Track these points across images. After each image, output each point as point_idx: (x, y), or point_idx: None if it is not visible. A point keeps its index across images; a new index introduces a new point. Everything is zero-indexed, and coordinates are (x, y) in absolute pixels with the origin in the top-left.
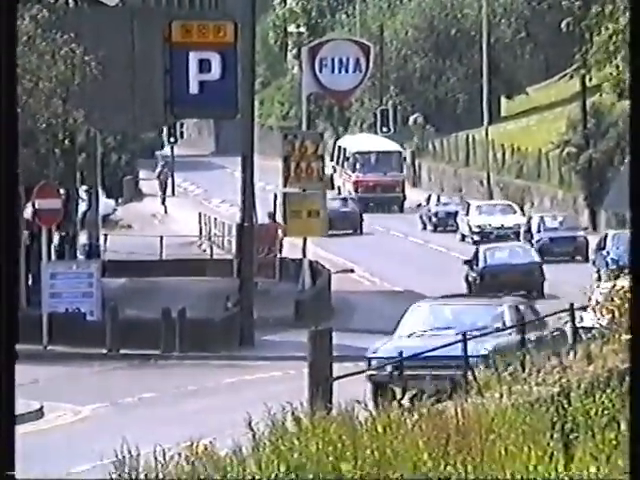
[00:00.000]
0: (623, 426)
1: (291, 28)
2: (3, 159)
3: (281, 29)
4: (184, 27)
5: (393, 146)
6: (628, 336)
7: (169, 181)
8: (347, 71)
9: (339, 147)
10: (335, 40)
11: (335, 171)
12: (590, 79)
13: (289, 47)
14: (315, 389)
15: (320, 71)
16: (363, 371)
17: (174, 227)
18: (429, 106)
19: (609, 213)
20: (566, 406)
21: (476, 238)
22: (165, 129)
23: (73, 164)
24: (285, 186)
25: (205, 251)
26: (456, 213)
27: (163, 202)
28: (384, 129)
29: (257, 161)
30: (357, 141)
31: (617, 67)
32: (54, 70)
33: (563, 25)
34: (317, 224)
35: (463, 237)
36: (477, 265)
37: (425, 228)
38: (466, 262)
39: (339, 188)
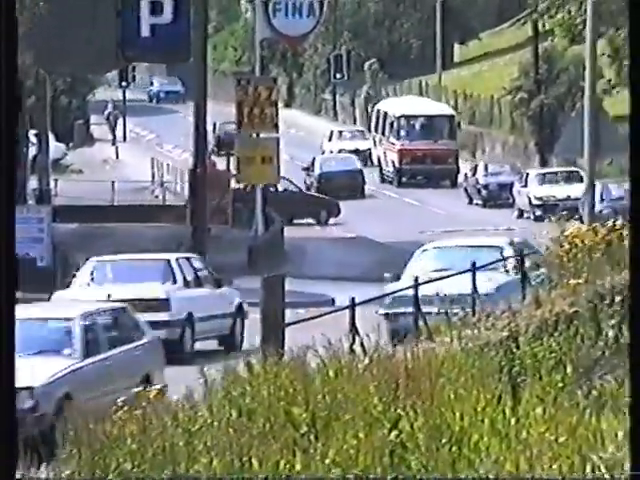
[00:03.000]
0: (569, 368)
1: None
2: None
3: None
4: None
5: (444, 109)
6: (575, 280)
7: (120, 124)
8: (301, 16)
9: (378, 111)
10: None
11: (375, 143)
12: (542, 24)
13: None
14: (267, 335)
15: (274, 16)
16: (314, 317)
17: (126, 172)
18: (383, 52)
19: (560, 159)
20: (514, 350)
21: (538, 213)
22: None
23: (22, 107)
24: (238, 131)
25: (157, 197)
26: (510, 185)
27: (114, 142)
28: (338, 75)
29: (210, 106)
30: (401, 104)
31: (569, 12)
32: None
33: None
34: (271, 170)
35: (521, 213)
36: (313, 171)
37: (471, 202)
38: (304, 169)
39: (379, 159)
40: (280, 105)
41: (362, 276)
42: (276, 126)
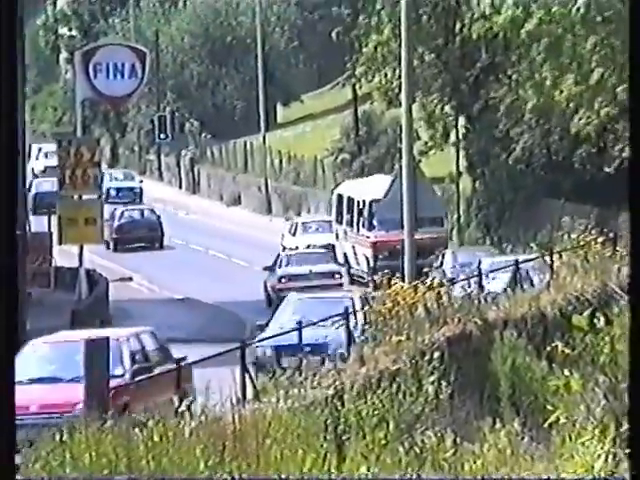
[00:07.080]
0: (391, 425)
1: (63, 31)
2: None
3: (52, 32)
4: None
5: None
6: (397, 337)
7: None
8: (123, 77)
9: (339, 196)
10: (110, 45)
11: (338, 236)
12: (360, 88)
13: (61, 51)
14: (91, 400)
15: (95, 76)
16: (140, 380)
17: None
18: (207, 112)
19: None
20: (340, 408)
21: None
22: None
23: None
24: (60, 193)
25: None
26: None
27: None
28: (162, 135)
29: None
30: (369, 186)
31: (385, 76)
32: None
33: (333, 35)
34: (94, 232)
35: None
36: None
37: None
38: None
39: (345, 256)
40: (103, 166)
41: (190, 337)
42: (99, 187)
